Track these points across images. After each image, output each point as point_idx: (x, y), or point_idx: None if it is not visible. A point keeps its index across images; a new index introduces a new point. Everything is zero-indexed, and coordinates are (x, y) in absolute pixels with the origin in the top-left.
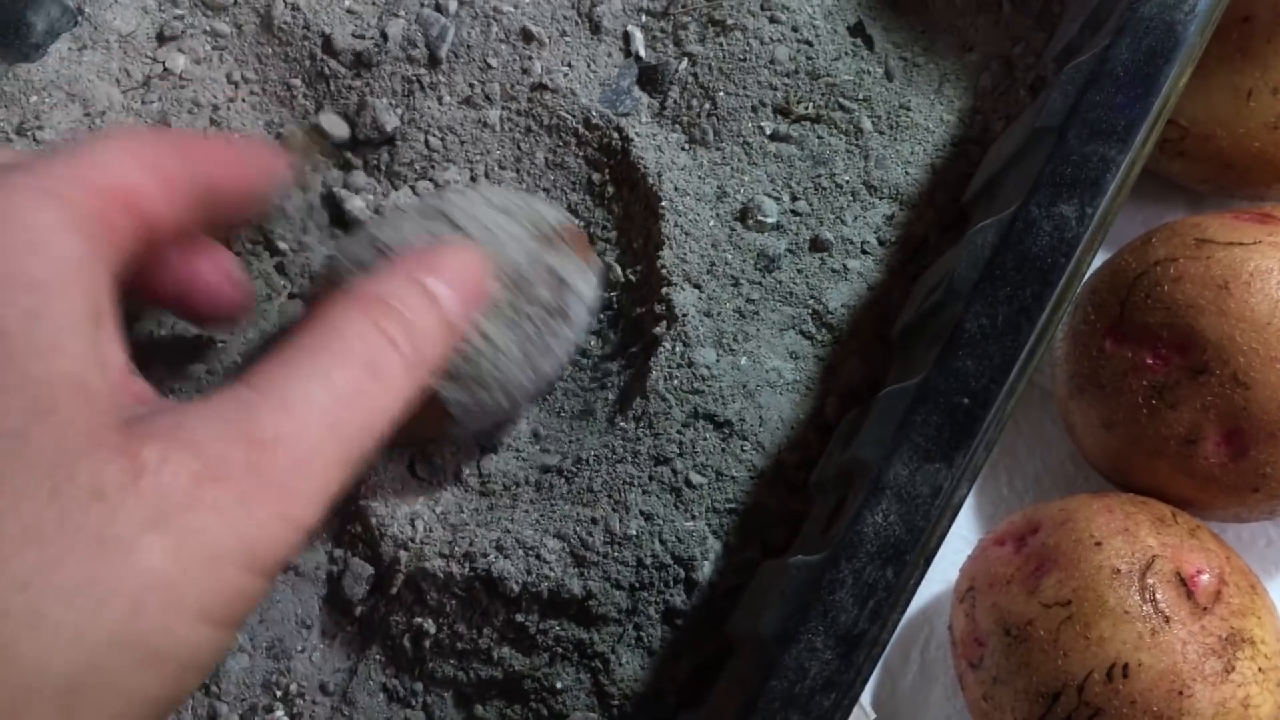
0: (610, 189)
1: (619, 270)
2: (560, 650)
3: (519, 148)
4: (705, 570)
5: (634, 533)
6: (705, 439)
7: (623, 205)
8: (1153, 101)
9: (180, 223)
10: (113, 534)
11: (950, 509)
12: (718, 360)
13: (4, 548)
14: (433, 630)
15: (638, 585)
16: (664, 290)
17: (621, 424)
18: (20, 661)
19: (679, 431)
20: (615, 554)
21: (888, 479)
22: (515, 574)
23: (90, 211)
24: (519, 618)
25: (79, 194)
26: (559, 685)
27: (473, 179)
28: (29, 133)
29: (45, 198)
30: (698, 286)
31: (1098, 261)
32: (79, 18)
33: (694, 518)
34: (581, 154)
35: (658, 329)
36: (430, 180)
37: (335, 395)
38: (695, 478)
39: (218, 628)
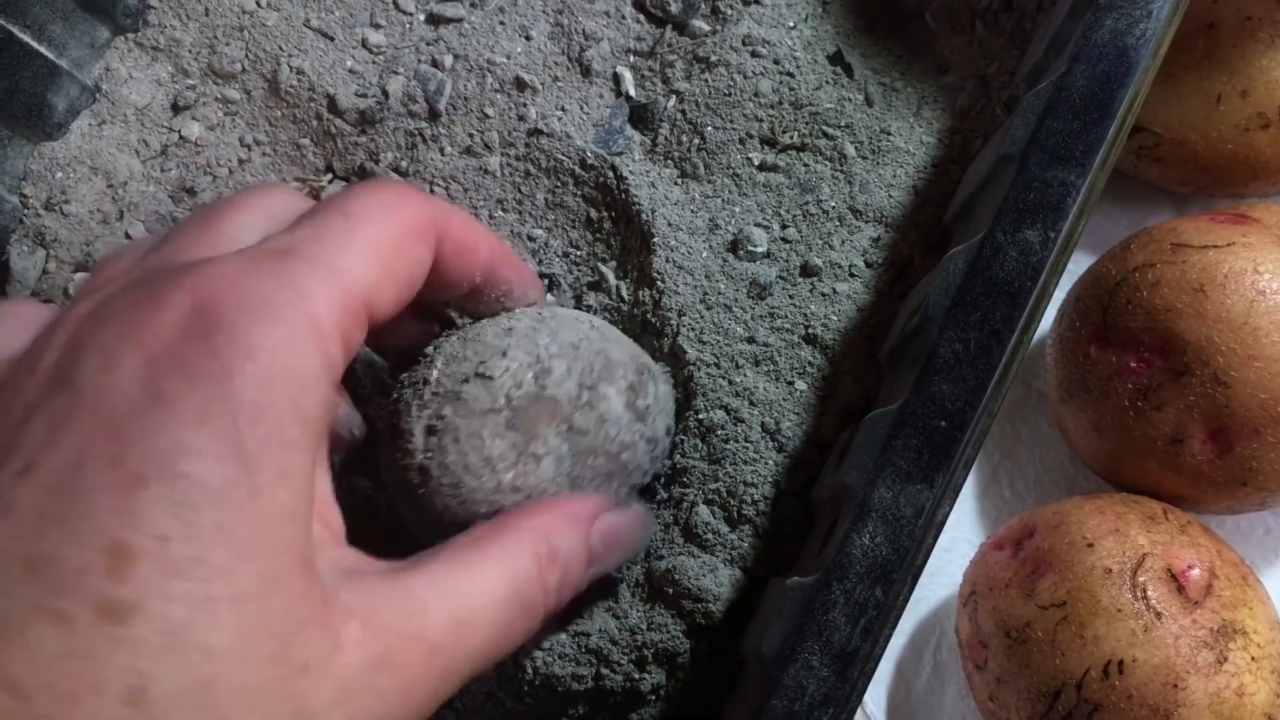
0: (608, 225)
1: (623, 291)
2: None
3: (520, 190)
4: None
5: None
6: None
7: (620, 240)
8: (1109, 126)
9: (398, 310)
10: (309, 706)
11: (934, 527)
12: (721, 385)
13: (229, 705)
14: None
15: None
16: (665, 336)
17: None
18: None
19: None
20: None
21: (873, 502)
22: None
23: (340, 345)
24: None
25: (335, 324)
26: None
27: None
28: (56, 207)
29: (311, 340)
30: (692, 321)
31: (1082, 268)
32: (97, 95)
33: (711, 552)
34: (579, 193)
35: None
36: None
37: (496, 626)
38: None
39: None
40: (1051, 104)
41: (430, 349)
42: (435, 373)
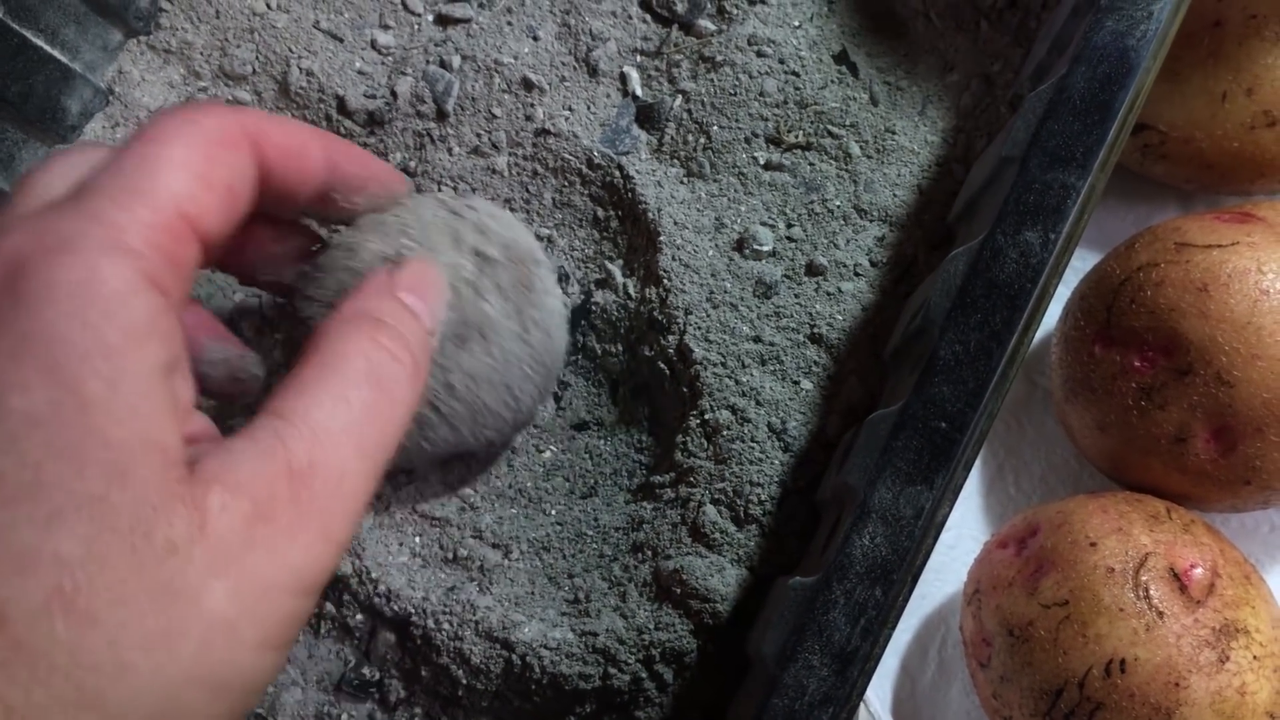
0: (615, 223)
1: (629, 289)
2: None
3: (527, 190)
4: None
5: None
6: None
7: (627, 238)
8: (1109, 128)
9: (231, 227)
10: (183, 584)
11: (933, 528)
12: (728, 385)
13: (94, 606)
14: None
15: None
16: (671, 334)
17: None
18: (109, 709)
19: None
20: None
21: (873, 503)
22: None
23: (159, 259)
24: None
25: (146, 240)
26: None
27: None
28: None
29: (116, 256)
30: (699, 319)
31: (1088, 265)
32: (110, 97)
33: (719, 551)
34: (586, 192)
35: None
36: None
37: (354, 415)
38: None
39: (274, 650)
40: (1052, 106)
41: (309, 268)
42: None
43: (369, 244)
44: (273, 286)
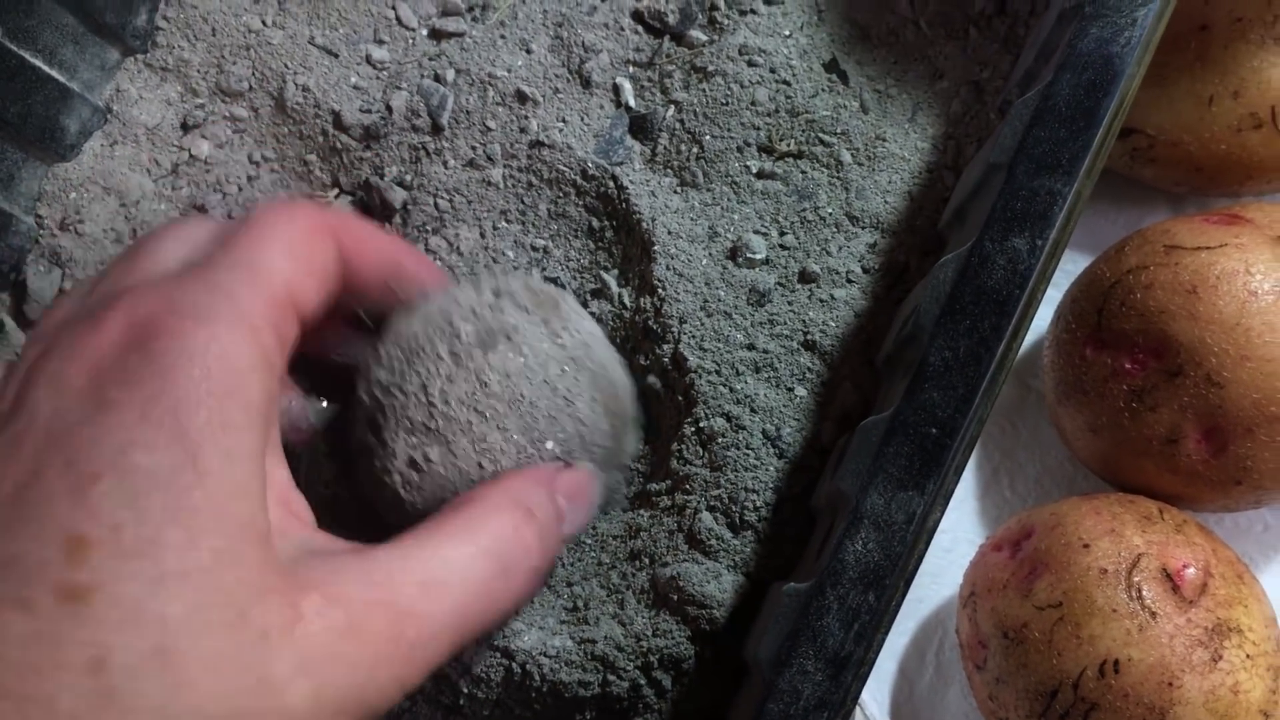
0: (610, 233)
1: (625, 298)
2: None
3: (523, 201)
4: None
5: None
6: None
7: (622, 248)
8: (1094, 135)
9: (322, 310)
10: (270, 672)
11: (925, 533)
12: (722, 393)
13: (190, 671)
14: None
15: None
16: (666, 343)
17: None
18: None
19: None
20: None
21: (865, 509)
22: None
23: (273, 337)
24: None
25: (265, 318)
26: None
27: (481, 234)
28: (71, 227)
29: (242, 332)
30: (693, 328)
31: (1079, 269)
32: (108, 116)
33: (715, 558)
34: (581, 203)
35: (661, 379)
36: (443, 237)
37: (471, 587)
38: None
39: None
40: (1038, 113)
41: (379, 353)
42: (402, 391)
43: (414, 326)
44: (337, 368)
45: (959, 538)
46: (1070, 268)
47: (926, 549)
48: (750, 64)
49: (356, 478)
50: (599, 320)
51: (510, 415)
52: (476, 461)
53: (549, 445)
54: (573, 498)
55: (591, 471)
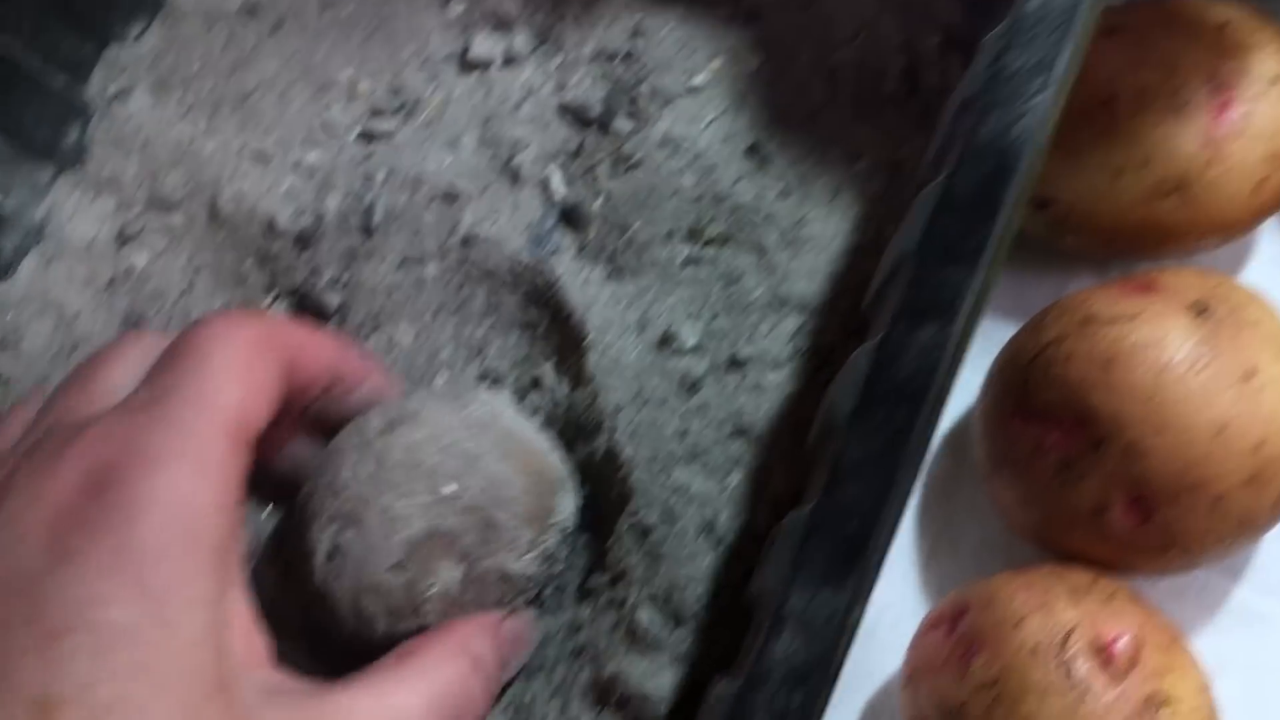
0: (545, 325)
1: (559, 391)
2: None
3: (458, 297)
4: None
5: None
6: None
7: (558, 339)
8: (996, 225)
9: (270, 418)
10: None
11: (847, 630)
12: (658, 482)
13: None
14: None
15: None
16: (600, 435)
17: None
18: None
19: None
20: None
21: (787, 608)
22: None
23: (233, 471)
24: None
25: (223, 452)
26: None
27: (418, 333)
28: (9, 346)
29: (203, 471)
30: (626, 419)
31: (1008, 336)
32: (43, 234)
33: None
34: (515, 296)
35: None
36: (381, 335)
37: None
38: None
39: None
40: (941, 203)
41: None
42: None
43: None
44: (285, 478)
45: (903, 612)
46: (1000, 335)
47: (850, 645)
48: (674, 152)
49: (293, 581)
50: (536, 412)
51: (413, 481)
52: (384, 535)
53: (447, 490)
54: (514, 643)
55: (526, 616)
